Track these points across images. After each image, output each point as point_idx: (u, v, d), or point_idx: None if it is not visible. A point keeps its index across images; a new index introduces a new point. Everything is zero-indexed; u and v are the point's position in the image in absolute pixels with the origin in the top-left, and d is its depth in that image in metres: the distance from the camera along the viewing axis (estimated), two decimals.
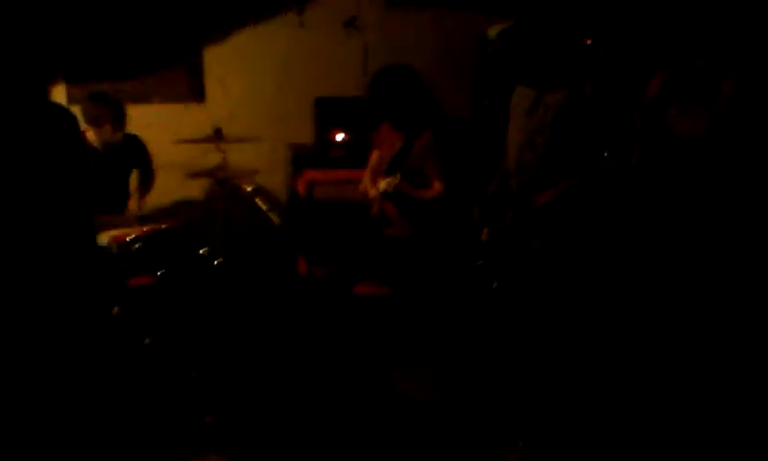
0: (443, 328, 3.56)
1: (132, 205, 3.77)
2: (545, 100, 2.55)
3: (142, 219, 3.45)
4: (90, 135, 3.46)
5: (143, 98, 4.36)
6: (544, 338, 2.65)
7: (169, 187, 4.20)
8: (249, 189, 3.57)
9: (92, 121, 3.43)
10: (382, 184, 3.39)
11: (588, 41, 2.74)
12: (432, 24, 4.80)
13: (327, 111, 4.56)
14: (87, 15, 4.08)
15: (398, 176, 3.31)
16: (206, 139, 3.56)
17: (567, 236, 2.58)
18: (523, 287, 2.70)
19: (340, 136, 4.47)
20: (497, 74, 2.74)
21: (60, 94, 4.18)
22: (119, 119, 3.55)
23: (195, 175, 3.70)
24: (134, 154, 3.82)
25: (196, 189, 4.14)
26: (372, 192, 3.51)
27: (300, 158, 4.32)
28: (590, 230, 2.55)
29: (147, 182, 3.92)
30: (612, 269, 2.53)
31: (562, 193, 2.54)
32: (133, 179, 3.87)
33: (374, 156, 3.69)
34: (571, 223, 2.58)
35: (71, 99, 4.13)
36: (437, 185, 3.42)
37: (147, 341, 2.80)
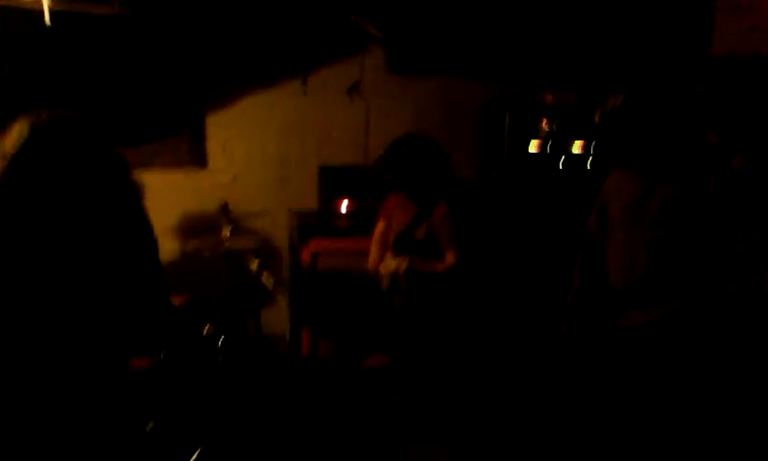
0: (460, 401, 3.43)
1: None
2: (661, 191, 2.27)
3: None
4: None
5: (144, 164, 4.26)
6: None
7: (169, 257, 4.07)
8: (254, 268, 3.42)
9: None
10: (392, 265, 3.31)
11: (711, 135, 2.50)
12: (434, 91, 4.80)
13: (332, 180, 4.51)
14: (88, 82, 4.02)
15: (407, 259, 3.27)
16: (212, 216, 3.50)
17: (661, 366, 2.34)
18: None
19: (344, 206, 4.38)
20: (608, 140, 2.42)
21: None
22: None
23: (198, 249, 3.60)
24: None
25: (197, 261, 4.00)
26: (383, 269, 3.40)
27: (305, 228, 4.22)
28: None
29: None
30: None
31: (658, 319, 2.32)
32: None
33: (380, 226, 3.56)
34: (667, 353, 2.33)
35: None
36: (450, 256, 3.32)
37: (149, 426, 2.63)
